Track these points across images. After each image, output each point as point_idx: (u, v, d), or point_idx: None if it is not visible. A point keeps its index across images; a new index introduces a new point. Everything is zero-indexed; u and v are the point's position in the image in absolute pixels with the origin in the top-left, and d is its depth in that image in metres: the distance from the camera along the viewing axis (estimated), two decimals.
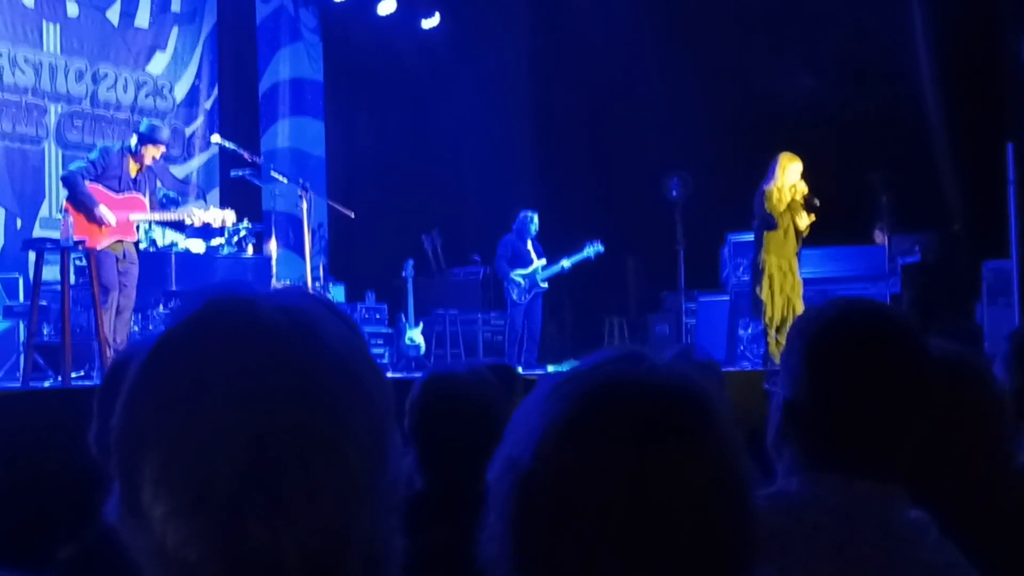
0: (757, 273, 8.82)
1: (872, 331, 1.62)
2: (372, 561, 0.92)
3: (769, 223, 8.68)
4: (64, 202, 7.98)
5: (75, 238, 7.56)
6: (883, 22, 12.35)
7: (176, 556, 0.86)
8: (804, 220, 8.70)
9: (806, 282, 9.09)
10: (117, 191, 7.99)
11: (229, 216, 8.70)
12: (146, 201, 8.18)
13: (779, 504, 1.53)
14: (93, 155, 8.09)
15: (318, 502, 0.87)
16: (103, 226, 7.85)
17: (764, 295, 8.70)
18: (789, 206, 8.65)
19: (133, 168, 8.12)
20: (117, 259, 7.93)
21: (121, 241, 8.02)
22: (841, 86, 12.73)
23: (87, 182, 7.90)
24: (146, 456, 0.87)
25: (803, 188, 8.69)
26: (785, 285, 8.70)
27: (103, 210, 7.84)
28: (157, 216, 8.40)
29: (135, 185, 8.12)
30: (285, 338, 0.90)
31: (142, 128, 8.39)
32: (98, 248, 7.78)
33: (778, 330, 8.58)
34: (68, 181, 8.01)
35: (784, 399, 1.64)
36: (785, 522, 1.49)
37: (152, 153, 8.18)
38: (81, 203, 7.83)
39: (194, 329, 0.92)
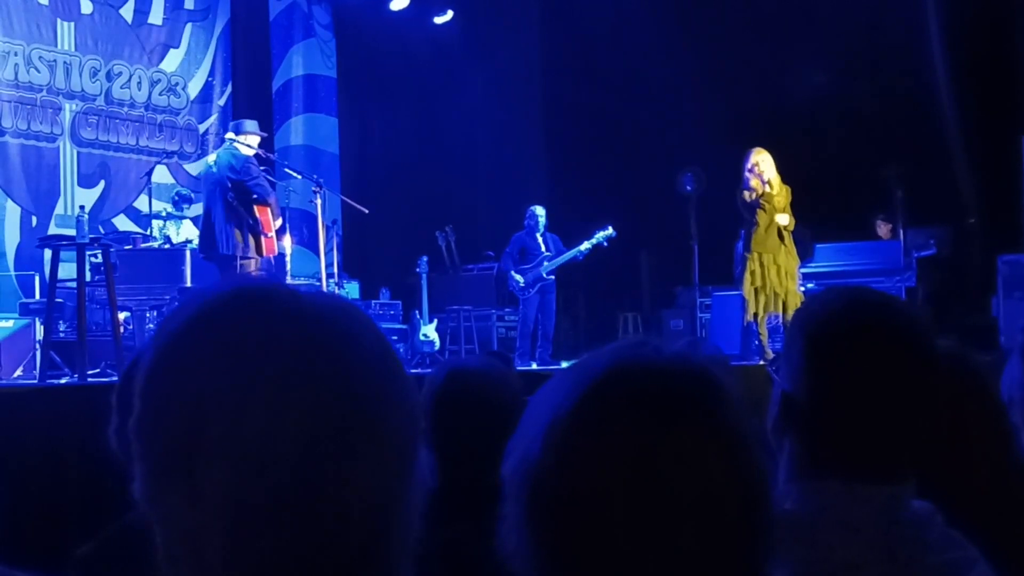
0: (741, 271, 8.90)
1: (877, 325, 1.51)
2: (406, 556, 0.92)
3: (744, 217, 8.77)
4: (274, 216, 8.25)
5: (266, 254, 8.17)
6: (896, 16, 12.31)
7: (225, 543, 0.85)
8: (784, 219, 8.67)
9: (820, 277, 9.05)
10: None
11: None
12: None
13: (784, 526, 1.40)
14: (243, 163, 8.28)
15: (361, 494, 0.87)
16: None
17: (745, 291, 8.78)
18: (761, 197, 8.63)
19: None
20: None
21: None
22: (855, 80, 12.68)
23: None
24: (204, 434, 0.84)
25: (770, 181, 8.67)
26: (769, 276, 8.70)
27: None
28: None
29: None
30: (329, 324, 0.90)
31: (231, 128, 8.73)
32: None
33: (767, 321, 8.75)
34: (263, 198, 8.25)
35: (783, 391, 1.56)
36: (795, 547, 1.41)
37: (251, 142, 8.45)
38: (276, 215, 8.25)
39: (239, 306, 0.90)
